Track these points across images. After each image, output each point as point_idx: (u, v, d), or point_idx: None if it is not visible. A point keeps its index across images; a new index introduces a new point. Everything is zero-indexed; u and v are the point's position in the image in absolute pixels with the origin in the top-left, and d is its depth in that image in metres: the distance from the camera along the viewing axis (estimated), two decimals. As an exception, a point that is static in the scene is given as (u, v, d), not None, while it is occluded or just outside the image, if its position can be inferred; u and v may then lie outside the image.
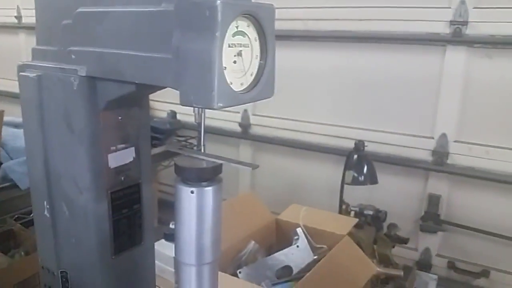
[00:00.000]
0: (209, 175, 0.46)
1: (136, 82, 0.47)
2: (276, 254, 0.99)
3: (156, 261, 0.66)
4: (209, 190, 0.47)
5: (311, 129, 2.71)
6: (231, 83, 0.44)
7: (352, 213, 2.01)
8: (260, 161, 3.09)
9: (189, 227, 0.47)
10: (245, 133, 3.02)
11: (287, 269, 0.96)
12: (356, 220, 1.06)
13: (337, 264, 0.90)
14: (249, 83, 0.47)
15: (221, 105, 0.43)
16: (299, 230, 1.03)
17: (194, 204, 0.45)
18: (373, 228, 1.98)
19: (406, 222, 2.36)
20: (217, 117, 2.85)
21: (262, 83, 0.48)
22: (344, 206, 2.03)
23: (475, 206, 2.33)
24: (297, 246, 1.00)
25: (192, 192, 0.46)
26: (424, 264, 2.46)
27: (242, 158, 3.15)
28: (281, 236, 1.09)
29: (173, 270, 0.84)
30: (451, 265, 2.38)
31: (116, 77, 0.47)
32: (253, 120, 2.97)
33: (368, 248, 1.91)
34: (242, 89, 0.47)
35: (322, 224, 1.06)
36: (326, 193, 2.36)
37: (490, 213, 2.29)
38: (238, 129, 3.02)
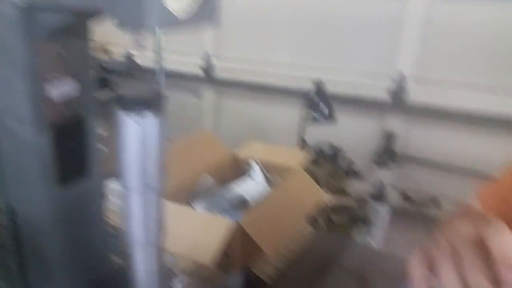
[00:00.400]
0: (150, 102, 0.48)
1: (69, 6, 0.46)
2: (230, 186, 1.03)
3: (109, 196, 0.68)
4: (149, 117, 0.48)
5: (273, 71, 2.71)
6: (168, 4, 0.43)
7: (311, 150, 2.09)
8: (224, 105, 3.10)
9: (130, 153, 0.48)
10: (208, 77, 2.99)
11: (242, 199, 1.01)
12: (311, 153, 1.11)
13: (287, 193, 0.96)
14: (189, 6, 0.46)
15: (154, 24, 0.43)
16: (253, 163, 1.07)
17: (135, 131, 0.46)
18: (330, 164, 2.07)
19: (362, 158, 2.47)
20: (179, 61, 2.79)
21: (204, 8, 0.48)
22: (303, 145, 2.10)
23: (430, 142, 2.47)
24: (252, 179, 1.05)
25: (132, 119, 0.47)
26: (379, 196, 2.61)
27: (206, 103, 3.15)
28: (238, 173, 1.13)
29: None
30: (404, 196, 2.54)
31: (51, 4, 0.47)
32: (216, 63, 2.94)
33: (325, 182, 2.01)
34: (180, 11, 0.46)
35: (278, 158, 1.10)
36: (287, 134, 2.42)
37: (444, 148, 2.43)
38: (201, 73, 2.99)
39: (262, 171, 1.07)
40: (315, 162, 1.97)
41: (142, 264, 0.57)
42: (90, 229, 0.64)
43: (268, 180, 1.09)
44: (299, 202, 0.97)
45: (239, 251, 0.86)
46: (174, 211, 0.88)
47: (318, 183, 1.93)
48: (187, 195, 0.98)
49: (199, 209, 0.95)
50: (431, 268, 0.39)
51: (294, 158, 1.11)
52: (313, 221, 1.63)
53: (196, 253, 0.79)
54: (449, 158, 2.37)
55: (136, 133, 0.48)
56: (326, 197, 1.07)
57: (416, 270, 0.40)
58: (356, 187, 2.36)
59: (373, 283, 0.91)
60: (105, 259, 0.68)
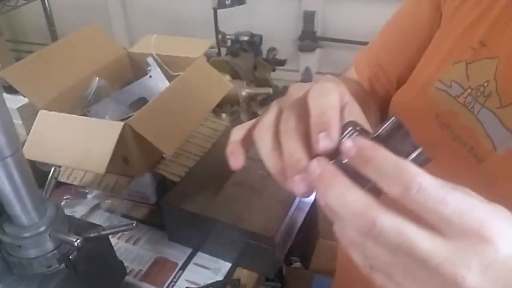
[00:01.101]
0: None
1: None
2: (127, 87, 0.95)
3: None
4: None
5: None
6: None
7: (229, 41, 1.98)
8: (134, 1, 2.82)
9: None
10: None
11: (142, 100, 0.93)
12: (210, 41, 1.02)
13: (186, 86, 0.89)
14: None
15: None
16: (149, 59, 0.97)
17: None
18: (251, 54, 1.99)
19: (285, 45, 2.41)
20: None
21: None
22: (220, 36, 1.98)
23: (349, 20, 2.41)
24: (150, 76, 0.96)
25: None
26: (307, 82, 2.62)
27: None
28: (137, 71, 1.03)
29: None
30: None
31: None
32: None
33: (247, 74, 1.95)
34: None
35: (176, 50, 1.01)
36: (203, 25, 2.27)
37: (363, 25, 2.39)
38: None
39: (160, 66, 0.98)
40: (234, 53, 1.88)
41: (3, 180, 0.50)
42: None
43: (169, 76, 1.00)
44: (201, 96, 0.91)
45: (138, 155, 0.81)
46: (59, 121, 0.79)
47: (240, 76, 1.88)
48: (77, 102, 0.88)
49: (92, 116, 0.86)
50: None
51: (196, 49, 1.02)
52: (230, 114, 1.60)
53: (88, 163, 0.73)
54: (368, 37, 2.36)
55: None
56: (228, 87, 1.01)
57: (236, 133, 0.36)
58: (281, 77, 2.33)
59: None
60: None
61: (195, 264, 0.81)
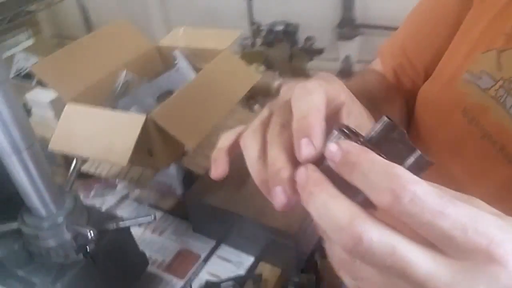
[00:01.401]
0: None
1: None
2: (155, 80, 0.95)
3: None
4: None
5: None
6: None
7: (263, 32, 1.96)
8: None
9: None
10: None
11: (169, 93, 0.93)
12: (238, 33, 1.01)
13: (213, 78, 0.88)
14: None
15: None
16: (176, 52, 0.97)
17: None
18: (286, 44, 1.96)
19: (323, 33, 2.34)
20: None
21: None
22: (254, 26, 1.96)
23: (390, 6, 2.31)
24: (178, 70, 0.96)
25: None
26: (346, 72, 2.55)
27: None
28: (166, 64, 1.03)
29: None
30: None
31: None
32: None
33: (282, 65, 1.92)
34: None
35: (204, 42, 1.00)
36: (238, 16, 2.26)
37: (405, 11, 2.29)
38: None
39: (187, 58, 0.98)
40: (269, 44, 1.86)
41: (21, 173, 0.51)
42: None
43: (197, 68, 1.00)
44: (227, 87, 0.90)
45: (162, 147, 0.81)
46: (85, 114, 0.81)
47: (274, 66, 1.86)
48: (106, 95, 0.90)
49: (120, 108, 0.88)
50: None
51: (224, 40, 1.01)
52: (263, 106, 1.58)
53: (112, 155, 0.74)
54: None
55: None
56: (256, 78, 0.99)
57: (223, 140, 0.34)
58: (319, 66, 2.27)
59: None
60: None
61: (218, 257, 0.81)
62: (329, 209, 0.23)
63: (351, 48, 2.49)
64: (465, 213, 0.21)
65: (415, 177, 0.22)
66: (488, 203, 0.23)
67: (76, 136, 0.77)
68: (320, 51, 2.08)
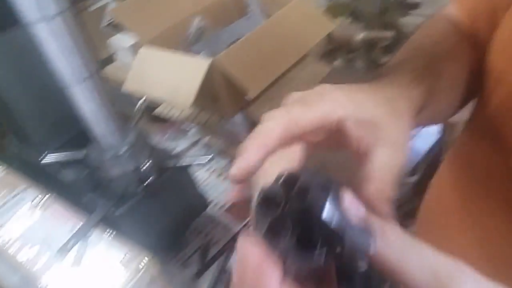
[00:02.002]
0: None
1: None
2: (227, 28, 0.95)
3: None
4: None
5: None
6: None
7: (353, -18, 1.84)
8: None
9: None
10: None
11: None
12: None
13: (283, 25, 0.85)
14: None
15: None
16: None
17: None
18: (377, -4, 1.82)
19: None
20: None
21: None
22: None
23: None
24: (251, 17, 0.95)
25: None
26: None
27: None
28: (236, 13, 1.02)
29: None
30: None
31: None
32: None
33: (370, 18, 1.80)
34: None
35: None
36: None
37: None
38: None
39: (261, 7, 0.96)
40: (358, -6, 1.74)
41: (84, 101, 0.55)
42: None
43: (269, 16, 0.97)
44: (296, 36, 0.87)
45: (226, 94, 0.82)
46: (155, 58, 0.84)
47: (359, 20, 1.74)
48: (180, 40, 0.92)
49: (196, 53, 0.89)
50: None
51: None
52: (346, 61, 1.50)
53: (177, 97, 0.77)
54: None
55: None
56: (330, 27, 0.94)
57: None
58: (415, 22, 2.09)
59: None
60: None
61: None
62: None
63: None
64: None
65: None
66: None
67: (148, 77, 0.80)
68: (416, 5, 1.90)
